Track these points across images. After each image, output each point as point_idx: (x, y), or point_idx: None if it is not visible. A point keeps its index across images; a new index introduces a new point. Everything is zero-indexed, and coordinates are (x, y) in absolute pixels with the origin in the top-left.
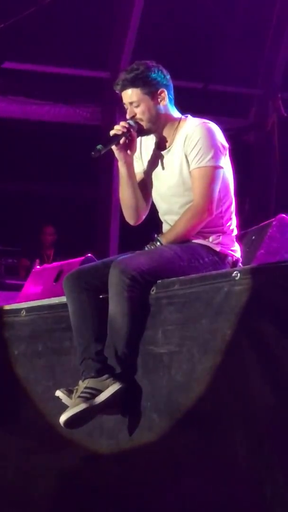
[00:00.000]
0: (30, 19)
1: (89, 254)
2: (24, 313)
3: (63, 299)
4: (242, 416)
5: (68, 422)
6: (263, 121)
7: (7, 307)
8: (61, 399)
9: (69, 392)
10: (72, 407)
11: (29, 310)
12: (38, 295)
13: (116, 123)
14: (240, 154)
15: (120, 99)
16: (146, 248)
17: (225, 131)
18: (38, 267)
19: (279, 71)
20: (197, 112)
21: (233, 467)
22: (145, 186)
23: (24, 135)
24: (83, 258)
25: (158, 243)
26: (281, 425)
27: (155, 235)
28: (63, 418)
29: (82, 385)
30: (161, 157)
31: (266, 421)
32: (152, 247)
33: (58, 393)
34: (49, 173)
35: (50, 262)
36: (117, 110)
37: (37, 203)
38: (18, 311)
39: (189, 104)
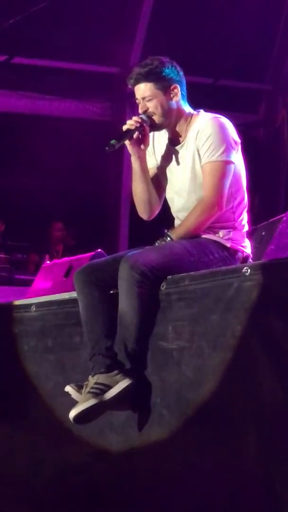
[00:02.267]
0: (40, 14)
1: (99, 250)
2: (34, 309)
3: (73, 294)
4: (251, 412)
5: (78, 417)
6: (272, 116)
7: (17, 302)
8: (70, 395)
9: (79, 388)
10: (82, 402)
11: (39, 305)
12: (48, 290)
13: (126, 118)
14: (249, 150)
15: (132, 93)
16: (156, 244)
17: (235, 126)
18: (48, 262)
19: None
20: (207, 107)
21: (243, 463)
22: (158, 181)
23: (34, 130)
24: (93, 253)
25: (168, 239)
26: None
27: (165, 231)
28: (72, 413)
29: (92, 380)
30: (174, 152)
31: (275, 417)
32: (162, 242)
33: (68, 388)
34: (59, 168)
35: (59, 257)
36: (127, 105)
37: (46, 198)
38: (28, 306)
39: (199, 99)
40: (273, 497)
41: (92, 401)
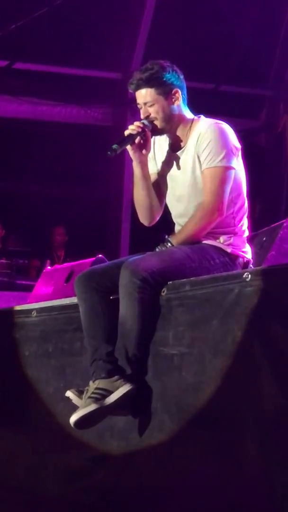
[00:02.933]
0: (41, 20)
1: (100, 255)
2: (35, 314)
3: (74, 300)
4: (252, 417)
5: (78, 422)
6: (274, 122)
7: (18, 307)
8: (71, 400)
9: (80, 393)
10: (83, 407)
11: (40, 310)
12: (49, 295)
13: (127, 124)
14: (250, 155)
15: (134, 99)
16: (157, 249)
17: (236, 132)
18: (49, 267)
19: None
20: (208, 113)
21: (243, 467)
22: (159, 186)
23: (36, 136)
24: (94, 259)
25: (169, 244)
26: None
27: (166, 236)
28: (73, 418)
29: (93, 386)
30: (175, 157)
31: (276, 423)
32: (163, 248)
33: (69, 393)
34: (61, 173)
35: (60, 262)
36: (128, 111)
37: (48, 203)
38: (29, 311)
39: (200, 105)
40: (275, 502)
41: (92, 406)
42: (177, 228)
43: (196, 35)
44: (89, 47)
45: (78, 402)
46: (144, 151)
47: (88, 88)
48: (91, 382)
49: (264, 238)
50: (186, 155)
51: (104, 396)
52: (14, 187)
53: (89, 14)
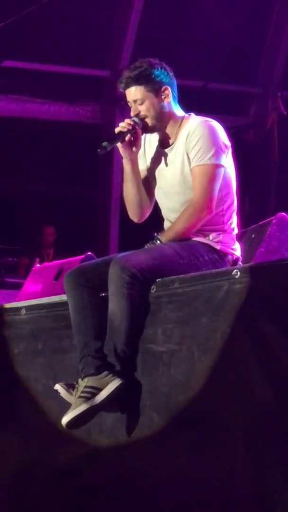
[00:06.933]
0: (30, 17)
1: (89, 253)
2: (24, 312)
3: (63, 297)
4: (241, 414)
5: (71, 424)
6: (262, 119)
7: (7, 305)
8: (59, 393)
9: (68, 386)
10: (73, 408)
11: (29, 308)
12: (38, 293)
13: (116, 121)
14: (239, 153)
15: (122, 96)
16: (146, 246)
17: (225, 129)
18: (38, 265)
19: (278, 70)
20: (197, 110)
21: (233, 465)
22: (148, 183)
23: (24, 134)
24: (83, 256)
25: (158, 242)
26: (281, 423)
27: (155, 234)
28: (65, 420)
29: (82, 384)
30: (164, 154)
31: (265, 420)
32: (152, 245)
33: (57, 386)
34: (49, 171)
35: (49, 260)
36: (117, 108)
37: (37, 201)
38: (18, 309)
39: (189, 102)
40: (264, 498)
41: (83, 407)
42: (166, 224)
43: (184, 33)
44: (78, 45)
45: (66, 396)
46: (134, 149)
47: (76, 86)
48: (80, 380)
49: (253, 235)
50: (175, 152)
51: (94, 394)
52: (2, 185)
53: (77, 11)
